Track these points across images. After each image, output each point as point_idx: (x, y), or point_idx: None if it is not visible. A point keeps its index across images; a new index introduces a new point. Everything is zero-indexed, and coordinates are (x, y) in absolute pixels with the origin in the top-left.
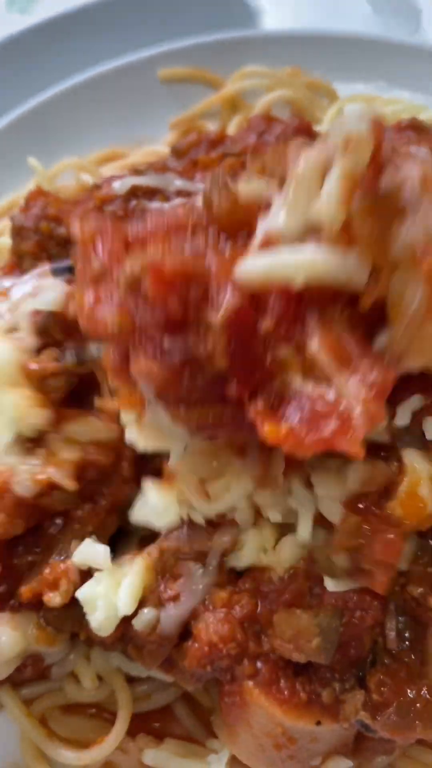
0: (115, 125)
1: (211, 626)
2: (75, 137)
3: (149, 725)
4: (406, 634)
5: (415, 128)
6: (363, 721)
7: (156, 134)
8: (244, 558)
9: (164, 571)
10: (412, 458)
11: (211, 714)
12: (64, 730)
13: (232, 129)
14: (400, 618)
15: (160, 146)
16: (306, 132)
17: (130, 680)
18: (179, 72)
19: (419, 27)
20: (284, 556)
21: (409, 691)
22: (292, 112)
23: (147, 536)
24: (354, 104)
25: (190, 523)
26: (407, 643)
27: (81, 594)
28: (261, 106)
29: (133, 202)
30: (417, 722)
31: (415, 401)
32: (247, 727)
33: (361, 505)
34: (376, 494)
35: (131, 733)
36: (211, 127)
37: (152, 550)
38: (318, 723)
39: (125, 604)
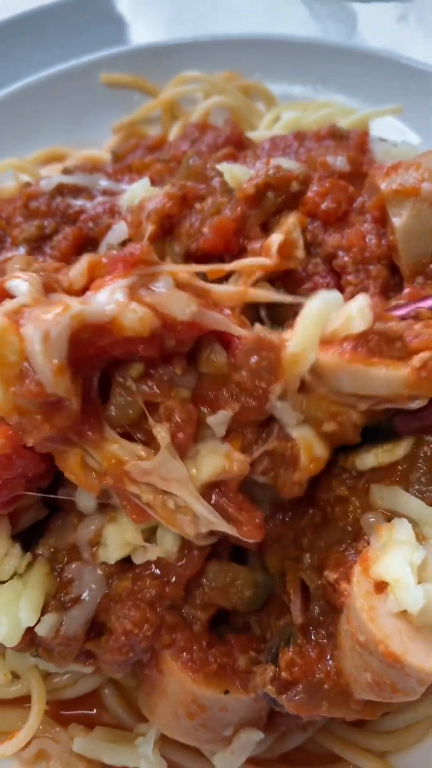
0: (59, 129)
1: (122, 616)
2: (20, 140)
3: (82, 715)
4: (322, 618)
5: (334, 136)
6: (270, 695)
7: (99, 137)
8: (110, 553)
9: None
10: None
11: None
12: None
13: (173, 135)
14: (317, 602)
15: (101, 149)
16: (236, 142)
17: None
18: (121, 78)
19: (355, 30)
20: (167, 546)
21: (317, 672)
22: (229, 119)
23: (26, 530)
24: (287, 112)
25: (65, 518)
26: (320, 626)
27: None
28: (198, 113)
29: (58, 200)
30: (324, 702)
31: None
32: (163, 695)
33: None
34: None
35: (63, 722)
36: (153, 132)
37: (43, 550)
38: (226, 692)
39: (26, 616)
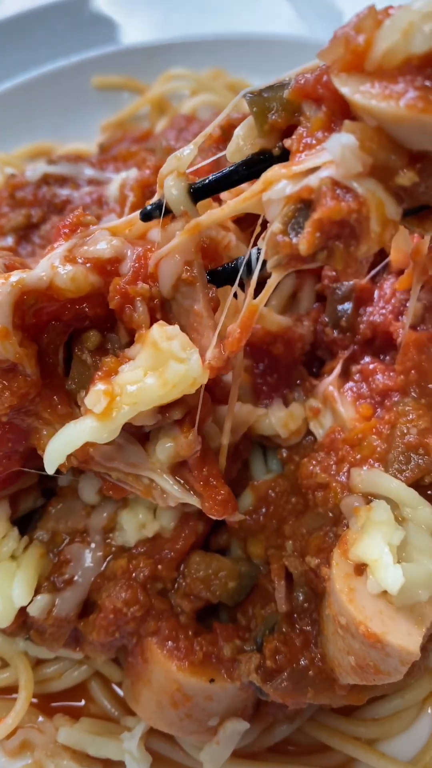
0: (49, 128)
1: (114, 594)
2: (8, 139)
3: (68, 706)
4: (306, 605)
5: None
6: (255, 684)
7: (88, 136)
8: (128, 536)
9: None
10: None
11: (121, 687)
12: None
13: (159, 128)
14: (300, 589)
15: (88, 144)
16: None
17: (40, 662)
18: (112, 80)
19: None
20: (164, 522)
21: (302, 659)
22: (216, 113)
23: (25, 515)
24: None
25: (66, 502)
26: (304, 613)
27: None
28: (185, 109)
29: (44, 189)
30: (308, 688)
31: None
32: (147, 684)
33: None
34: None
35: (49, 713)
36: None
37: (41, 534)
38: (211, 680)
39: (20, 596)
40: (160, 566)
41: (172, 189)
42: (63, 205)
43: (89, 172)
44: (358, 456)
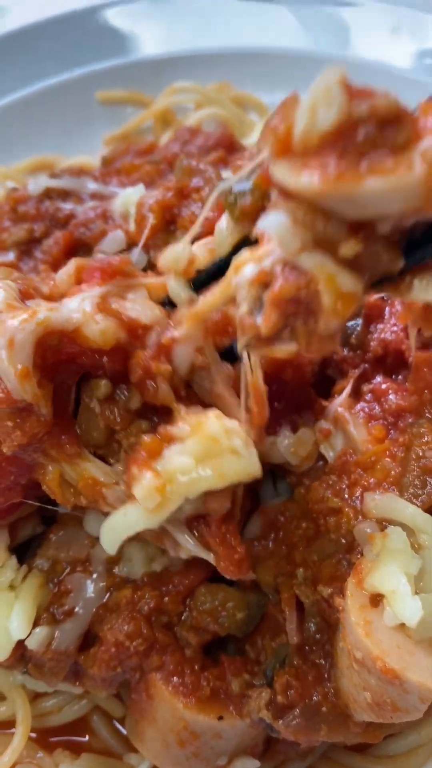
0: (51, 142)
1: (116, 626)
2: (11, 152)
3: (68, 741)
4: (318, 636)
5: None
6: (266, 721)
7: (91, 150)
8: (135, 569)
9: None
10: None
11: (124, 722)
12: None
13: (163, 141)
14: (312, 620)
15: (91, 157)
16: (226, 144)
17: (38, 695)
18: (116, 95)
19: (348, 42)
20: (175, 558)
21: (315, 694)
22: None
23: (24, 543)
24: None
25: (67, 530)
26: (317, 645)
27: None
28: (191, 122)
29: (47, 203)
30: (322, 725)
31: None
32: (152, 722)
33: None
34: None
35: (49, 748)
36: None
37: (41, 563)
38: (220, 718)
39: (18, 629)
40: (166, 599)
41: (174, 287)
42: (66, 219)
43: (92, 186)
44: (372, 480)
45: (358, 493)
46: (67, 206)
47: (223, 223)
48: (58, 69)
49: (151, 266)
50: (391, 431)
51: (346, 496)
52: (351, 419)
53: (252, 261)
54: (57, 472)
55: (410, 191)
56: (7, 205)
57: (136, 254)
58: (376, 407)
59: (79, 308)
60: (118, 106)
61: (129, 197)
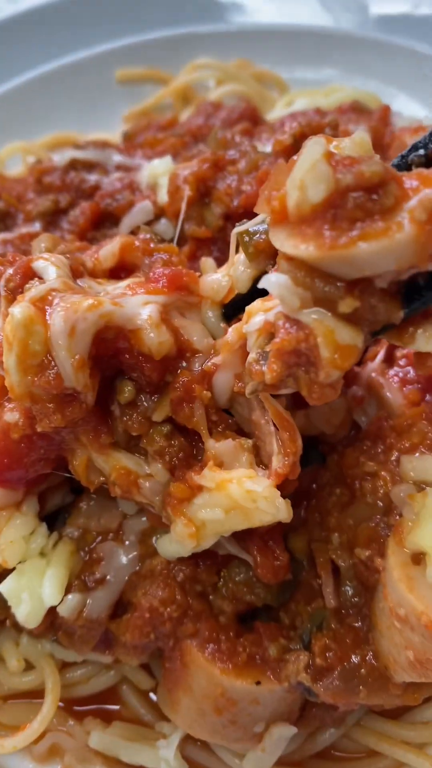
0: (71, 118)
1: (150, 592)
2: (31, 129)
3: (100, 708)
4: (355, 599)
5: (355, 110)
6: (304, 684)
7: (111, 127)
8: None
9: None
10: None
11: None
12: (7, 717)
13: (184, 117)
14: (349, 583)
15: (111, 133)
16: (250, 117)
17: (66, 665)
18: (135, 72)
19: (367, 20)
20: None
21: (353, 656)
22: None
23: (54, 511)
24: (301, 99)
25: (98, 500)
26: (354, 608)
27: (4, 588)
28: (213, 98)
29: (72, 174)
30: (360, 688)
31: None
32: (187, 690)
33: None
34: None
35: (79, 716)
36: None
37: (71, 531)
38: (258, 683)
39: (50, 595)
40: (200, 569)
41: (209, 315)
42: (92, 190)
43: (117, 158)
44: (407, 443)
45: (393, 457)
46: (93, 177)
47: (241, 258)
48: (77, 46)
49: (181, 238)
50: (427, 395)
51: (382, 460)
52: (386, 384)
53: (261, 311)
54: (84, 458)
55: (402, 250)
56: (32, 177)
57: (163, 225)
58: (411, 371)
59: (144, 311)
60: (136, 84)
61: (155, 168)
